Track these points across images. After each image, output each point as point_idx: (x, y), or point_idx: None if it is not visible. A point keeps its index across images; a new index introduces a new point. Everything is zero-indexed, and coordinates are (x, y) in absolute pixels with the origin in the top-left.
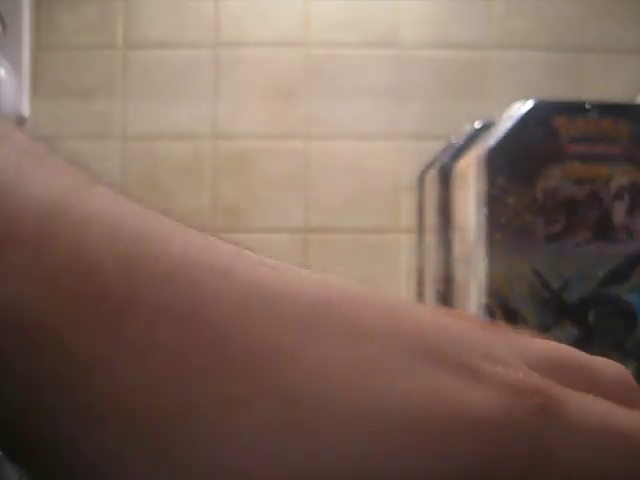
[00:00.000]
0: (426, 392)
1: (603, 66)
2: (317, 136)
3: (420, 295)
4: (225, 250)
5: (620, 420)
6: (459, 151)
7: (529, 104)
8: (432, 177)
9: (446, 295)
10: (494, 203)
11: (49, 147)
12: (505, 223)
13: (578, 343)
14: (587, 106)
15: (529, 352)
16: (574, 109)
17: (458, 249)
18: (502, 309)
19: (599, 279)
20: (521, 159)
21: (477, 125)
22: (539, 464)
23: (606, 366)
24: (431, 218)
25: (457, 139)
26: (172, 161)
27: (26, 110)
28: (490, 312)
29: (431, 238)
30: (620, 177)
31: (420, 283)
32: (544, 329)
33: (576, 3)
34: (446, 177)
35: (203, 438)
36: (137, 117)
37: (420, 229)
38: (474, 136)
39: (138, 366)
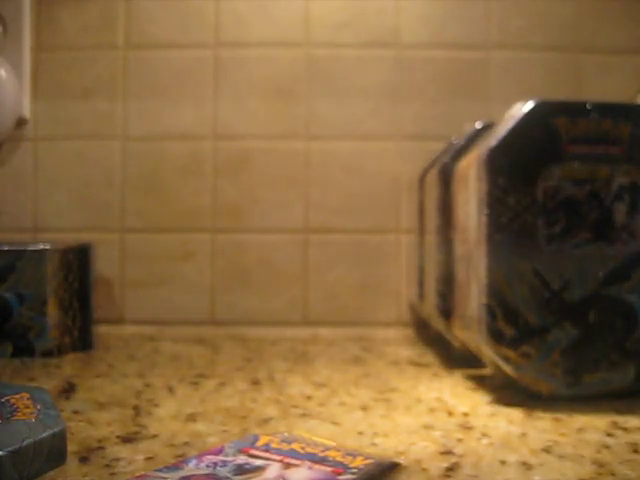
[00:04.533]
0: None
1: (604, 66)
2: (317, 136)
3: (420, 296)
4: None
5: None
6: (460, 151)
7: (530, 104)
8: (432, 177)
9: (446, 295)
10: (495, 203)
11: None
12: (506, 223)
13: (578, 343)
14: (588, 107)
15: None
16: (575, 110)
17: (458, 249)
18: (502, 309)
19: (599, 279)
20: (522, 159)
21: (478, 125)
22: None
23: None
24: (431, 218)
25: (458, 139)
26: (173, 161)
27: (27, 110)
28: (490, 312)
29: (431, 238)
30: (620, 177)
31: (420, 283)
32: (544, 329)
33: (577, 3)
34: (447, 177)
35: None
36: (138, 117)
37: (420, 229)
38: (475, 136)
39: None
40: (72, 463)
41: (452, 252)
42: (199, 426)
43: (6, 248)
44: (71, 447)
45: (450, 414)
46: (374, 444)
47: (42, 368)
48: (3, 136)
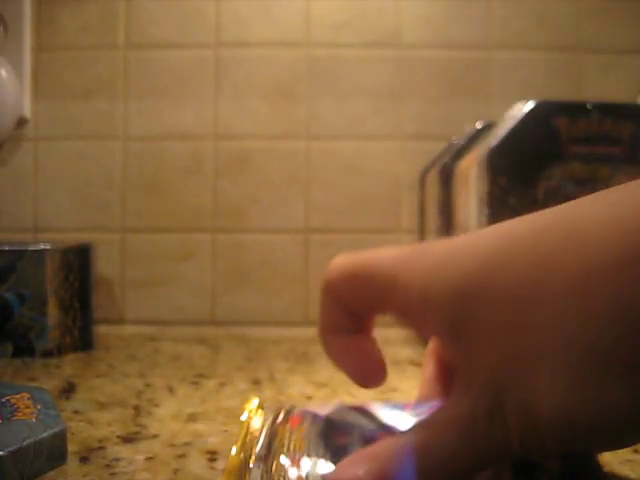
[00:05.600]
0: None
1: (604, 66)
2: (318, 136)
3: None
4: None
5: None
6: (460, 151)
7: (530, 104)
8: (433, 177)
9: None
10: (495, 203)
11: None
12: None
13: None
14: (588, 107)
15: None
16: (575, 110)
17: None
18: None
19: None
20: (522, 159)
21: (478, 125)
22: None
23: None
24: (432, 218)
25: (458, 139)
26: (173, 161)
27: (27, 110)
28: None
29: (432, 238)
30: (621, 178)
31: None
32: None
33: (577, 3)
34: (447, 177)
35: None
36: (138, 117)
37: (421, 229)
38: (475, 136)
39: None
40: (72, 463)
41: None
42: (199, 426)
43: (6, 248)
44: (71, 447)
45: None
46: None
47: (42, 368)
48: (3, 136)
